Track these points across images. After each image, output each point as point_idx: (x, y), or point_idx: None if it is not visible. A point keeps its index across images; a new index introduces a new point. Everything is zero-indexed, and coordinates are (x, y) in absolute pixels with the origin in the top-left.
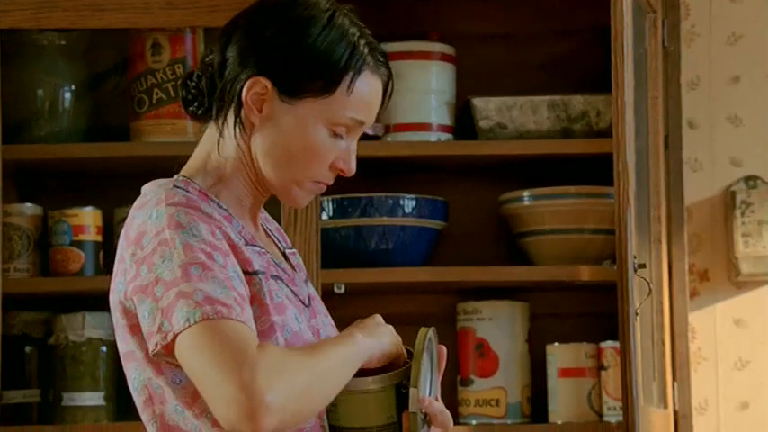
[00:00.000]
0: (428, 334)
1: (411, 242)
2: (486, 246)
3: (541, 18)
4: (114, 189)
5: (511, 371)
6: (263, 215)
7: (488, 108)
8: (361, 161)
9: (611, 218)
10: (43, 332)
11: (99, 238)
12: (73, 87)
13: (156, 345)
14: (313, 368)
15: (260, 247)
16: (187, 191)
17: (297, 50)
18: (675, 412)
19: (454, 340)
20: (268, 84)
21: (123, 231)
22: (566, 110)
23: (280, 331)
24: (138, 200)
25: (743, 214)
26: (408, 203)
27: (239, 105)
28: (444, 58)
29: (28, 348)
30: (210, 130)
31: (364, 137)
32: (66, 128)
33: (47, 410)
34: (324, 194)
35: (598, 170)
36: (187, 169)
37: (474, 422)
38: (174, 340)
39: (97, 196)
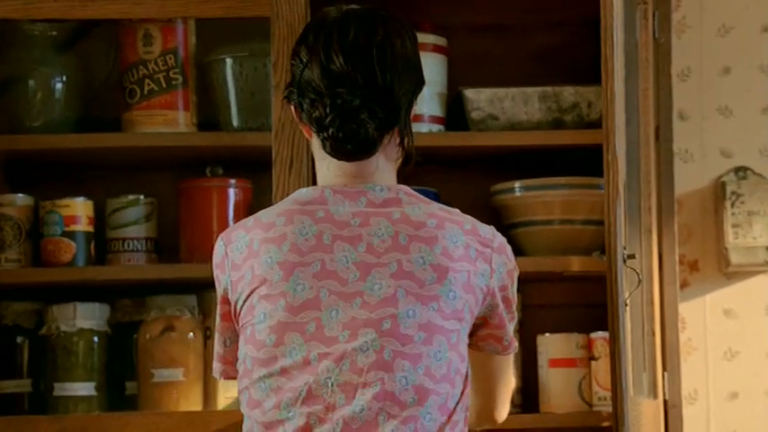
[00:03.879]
0: None
1: None
2: None
3: (533, 9)
4: (106, 179)
5: None
6: None
7: (480, 99)
8: None
9: (601, 209)
10: (35, 323)
11: (90, 229)
12: (64, 78)
13: (501, 347)
14: None
15: None
16: None
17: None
18: (665, 402)
19: None
20: None
21: (452, 223)
22: (557, 101)
23: None
24: (427, 207)
25: (733, 205)
26: None
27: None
28: (436, 49)
29: (19, 339)
30: (382, 159)
31: None
32: (58, 118)
33: (38, 400)
34: None
35: (589, 161)
36: None
37: None
38: (507, 349)
39: (89, 186)
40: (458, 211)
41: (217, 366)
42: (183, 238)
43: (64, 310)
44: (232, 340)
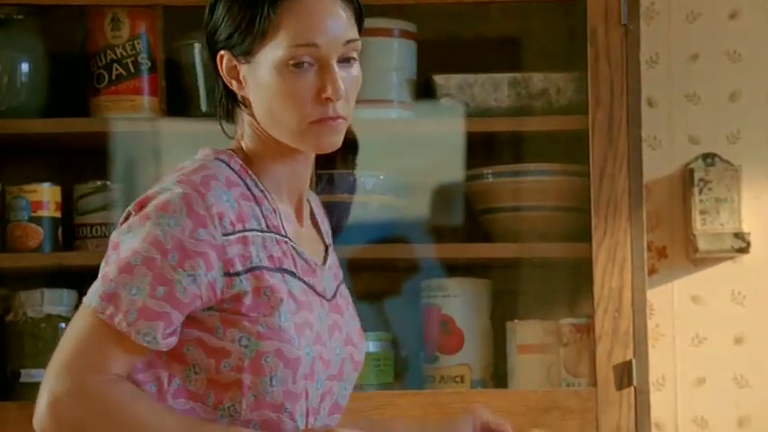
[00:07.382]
0: None
1: (373, 219)
2: (449, 223)
3: None
4: (73, 165)
5: (475, 348)
6: (324, 211)
7: (449, 85)
8: None
9: (572, 195)
10: (1, 309)
11: (57, 214)
12: (31, 62)
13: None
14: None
15: (282, 235)
16: (228, 164)
17: (228, 14)
18: (634, 388)
19: (420, 317)
20: (227, 54)
21: None
22: (526, 87)
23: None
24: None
25: (701, 192)
26: (369, 180)
27: (227, 87)
28: (405, 34)
29: None
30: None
31: None
32: (25, 103)
33: (5, 387)
34: None
35: (558, 147)
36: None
37: None
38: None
39: (56, 172)
40: (184, 173)
41: None
42: None
43: (31, 296)
44: None
